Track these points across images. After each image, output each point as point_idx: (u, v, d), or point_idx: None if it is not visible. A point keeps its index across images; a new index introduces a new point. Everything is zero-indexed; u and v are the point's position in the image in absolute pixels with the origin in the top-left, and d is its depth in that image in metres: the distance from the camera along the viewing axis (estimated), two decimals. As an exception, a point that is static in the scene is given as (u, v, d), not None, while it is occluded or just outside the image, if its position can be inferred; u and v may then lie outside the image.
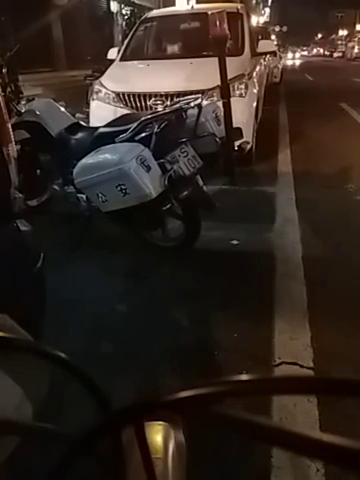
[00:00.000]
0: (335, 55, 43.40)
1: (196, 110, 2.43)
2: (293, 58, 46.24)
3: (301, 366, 1.72)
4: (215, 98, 3.65)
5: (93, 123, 3.89)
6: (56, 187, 2.75)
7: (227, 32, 3.30)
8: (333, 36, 62.59)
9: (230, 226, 2.98)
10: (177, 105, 2.41)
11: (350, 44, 36.90)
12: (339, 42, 51.18)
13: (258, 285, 2.31)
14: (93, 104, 4.28)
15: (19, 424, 0.37)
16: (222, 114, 2.88)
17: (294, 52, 53.69)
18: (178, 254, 2.61)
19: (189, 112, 2.43)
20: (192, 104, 2.39)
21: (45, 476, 0.30)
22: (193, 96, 2.57)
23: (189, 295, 2.27)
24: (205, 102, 2.69)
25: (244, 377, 0.23)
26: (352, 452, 0.19)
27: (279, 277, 2.38)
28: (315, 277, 2.36)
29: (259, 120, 4.82)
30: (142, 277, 2.46)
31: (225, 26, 3.24)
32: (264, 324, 1.99)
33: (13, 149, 1.45)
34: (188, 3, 8.78)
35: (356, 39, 34.52)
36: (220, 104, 3.28)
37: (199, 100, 2.45)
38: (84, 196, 2.47)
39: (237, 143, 3.76)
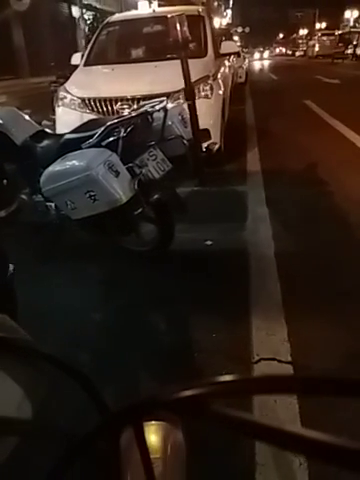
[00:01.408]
0: (297, 54, 44.29)
1: (162, 113, 2.43)
2: (261, 59, 45.87)
3: (279, 361, 1.74)
4: (181, 100, 3.67)
5: (59, 130, 3.83)
6: (24, 197, 2.69)
7: (188, 35, 3.32)
8: (294, 35, 63.90)
9: (203, 227, 2.99)
10: (143, 109, 2.40)
11: (311, 42, 37.65)
12: (300, 41, 52.05)
13: (233, 284, 2.32)
14: (59, 110, 4.22)
15: (19, 424, 0.38)
16: (188, 116, 2.89)
17: (261, 52, 53.53)
18: (153, 257, 2.60)
19: (155, 115, 2.43)
20: (157, 107, 2.39)
21: (45, 476, 0.30)
22: (158, 99, 2.57)
23: (166, 298, 2.26)
24: (170, 105, 2.70)
25: (242, 377, 0.23)
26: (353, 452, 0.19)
27: (253, 274, 2.40)
28: (288, 273, 2.40)
29: (226, 120, 4.87)
30: (117, 282, 2.44)
31: (185, 29, 3.26)
32: (241, 322, 2.01)
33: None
34: (150, 7, 8.79)
35: (316, 37, 35.23)
36: (186, 106, 3.30)
37: (164, 103, 2.45)
38: (53, 204, 2.42)
39: (205, 144, 3.79)
